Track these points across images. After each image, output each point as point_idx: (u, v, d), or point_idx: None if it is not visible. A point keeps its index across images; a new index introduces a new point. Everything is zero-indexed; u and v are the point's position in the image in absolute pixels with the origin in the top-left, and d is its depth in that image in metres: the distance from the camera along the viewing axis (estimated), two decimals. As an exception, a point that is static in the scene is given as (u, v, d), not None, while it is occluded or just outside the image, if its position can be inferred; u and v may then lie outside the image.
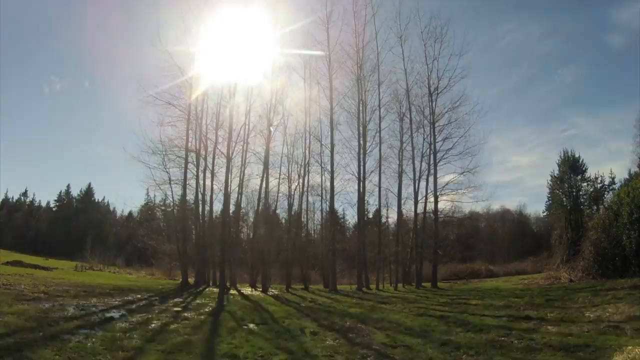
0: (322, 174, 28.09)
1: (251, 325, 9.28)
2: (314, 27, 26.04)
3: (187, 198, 25.90)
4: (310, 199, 30.06)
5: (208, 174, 25.66)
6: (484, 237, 47.45)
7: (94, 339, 6.66)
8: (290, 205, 28.69)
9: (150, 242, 33.28)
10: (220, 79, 24.90)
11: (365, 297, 17.44)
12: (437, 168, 24.52)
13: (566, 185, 31.30)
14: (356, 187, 25.22)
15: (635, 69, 52.23)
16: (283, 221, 34.68)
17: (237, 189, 26.92)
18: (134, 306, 11.02)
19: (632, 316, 8.55)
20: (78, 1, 67.72)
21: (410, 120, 25.18)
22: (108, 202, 66.16)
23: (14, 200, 64.27)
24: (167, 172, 25.17)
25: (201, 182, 25.40)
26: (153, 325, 8.50)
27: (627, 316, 8.63)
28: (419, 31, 24.93)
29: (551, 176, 33.09)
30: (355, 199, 25.87)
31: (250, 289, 22.44)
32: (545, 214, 42.87)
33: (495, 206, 50.90)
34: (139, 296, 13.63)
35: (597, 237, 20.99)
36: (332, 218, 28.28)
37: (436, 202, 24.33)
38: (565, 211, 30.57)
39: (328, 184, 26.37)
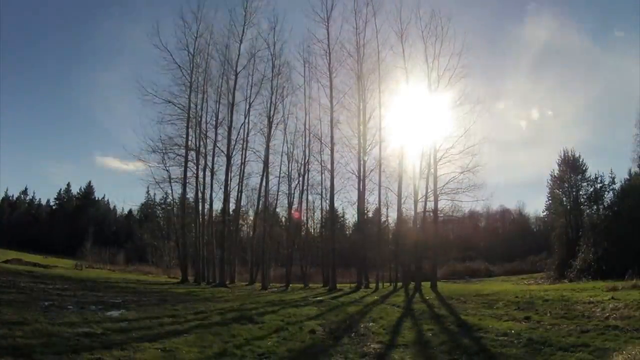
0: (322, 173, 28.11)
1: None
2: (314, 25, 26.01)
3: (187, 196, 25.96)
4: (310, 197, 30.09)
5: (208, 172, 25.75)
6: (484, 236, 47.48)
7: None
8: (290, 204, 28.72)
9: (150, 240, 33.35)
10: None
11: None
12: (437, 167, 24.41)
13: (566, 185, 31.27)
14: (356, 185, 25.16)
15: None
16: (283, 220, 34.72)
17: (237, 187, 26.99)
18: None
19: (632, 316, 8.54)
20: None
21: (411, 119, 25.07)
22: (108, 200, 66.22)
23: (14, 198, 64.26)
24: (167, 170, 25.31)
25: (201, 180, 25.50)
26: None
27: (627, 316, 8.62)
28: (420, 30, 24.74)
29: (551, 176, 33.08)
30: (355, 198, 25.82)
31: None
32: (545, 213, 42.84)
33: (495, 205, 50.96)
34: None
35: (597, 237, 20.99)
36: (332, 217, 28.23)
37: (436, 201, 24.23)
38: (565, 211, 30.56)
39: (328, 182, 26.36)
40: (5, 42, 62.87)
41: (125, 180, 75.16)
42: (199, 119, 25.64)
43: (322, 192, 28.77)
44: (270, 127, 26.11)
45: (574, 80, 66.25)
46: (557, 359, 6.20)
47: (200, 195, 25.58)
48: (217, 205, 27.94)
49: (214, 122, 25.98)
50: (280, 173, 27.82)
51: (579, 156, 31.10)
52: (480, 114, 23.80)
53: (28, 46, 78.29)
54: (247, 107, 26.22)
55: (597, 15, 59.65)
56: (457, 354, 6.63)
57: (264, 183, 26.22)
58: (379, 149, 25.21)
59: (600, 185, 29.30)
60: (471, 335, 8.06)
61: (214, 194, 26.16)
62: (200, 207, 25.84)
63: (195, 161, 25.27)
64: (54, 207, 64.49)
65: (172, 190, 26.69)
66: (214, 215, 27.49)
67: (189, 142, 25.09)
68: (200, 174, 25.42)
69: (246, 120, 26.26)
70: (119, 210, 64.44)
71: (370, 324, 9.83)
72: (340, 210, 41.85)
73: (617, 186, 27.63)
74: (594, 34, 60.09)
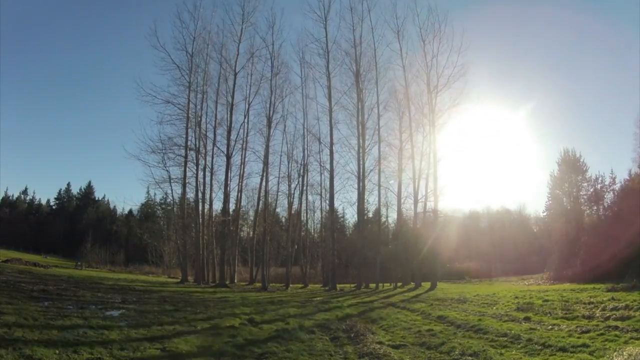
0: (321, 173, 28.17)
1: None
2: (312, 24, 26.07)
3: (187, 197, 25.94)
4: (310, 197, 30.11)
5: (208, 173, 25.76)
6: (484, 237, 47.32)
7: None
8: (290, 204, 28.72)
9: (150, 240, 33.31)
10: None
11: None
12: (437, 167, 24.41)
13: (566, 185, 31.23)
14: (356, 186, 25.18)
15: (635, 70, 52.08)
16: (283, 220, 34.73)
17: (236, 187, 27.00)
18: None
19: (632, 316, 8.53)
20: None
21: (410, 118, 25.11)
22: (108, 200, 66.08)
23: (14, 198, 64.19)
24: (167, 170, 25.30)
25: (201, 180, 25.49)
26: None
27: (627, 316, 8.61)
28: (418, 27, 24.74)
29: (551, 176, 33.04)
30: (354, 198, 25.86)
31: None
32: (545, 214, 42.80)
33: (496, 206, 50.79)
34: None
35: (597, 238, 20.95)
36: (332, 217, 28.23)
37: (436, 201, 24.24)
38: (565, 211, 30.50)
39: (327, 182, 26.39)
40: (5, 42, 62.90)
41: (125, 180, 75.43)
42: (199, 119, 25.65)
43: (321, 192, 28.86)
44: (269, 127, 26.13)
45: (574, 79, 66.11)
46: (556, 360, 6.18)
47: (200, 195, 25.58)
48: (217, 206, 27.97)
49: (213, 122, 26.02)
50: (279, 173, 27.89)
51: (580, 156, 31.07)
52: (479, 113, 23.85)
53: (28, 46, 78.29)
54: (247, 107, 26.27)
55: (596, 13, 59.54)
56: (456, 355, 6.62)
57: (263, 183, 26.26)
58: (378, 149, 25.25)
59: (601, 185, 29.25)
60: (471, 336, 8.05)
61: (213, 194, 26.21)
62: (200, 207, 25.83)
63: (195, 161, 25.28)
64: (54, 207, 64.44)
65: (172, 190, 26.74)
66: (214, 215, 27.49)
67: (189, 143, 25.11)
68: (200, 174, 25.44)
69: (245, 120, 26.31)
70: (119, 210, 64.25)
71: (370, 324, 9.83)
72: (340, 211, 41.92)
73: (617, 186, 27.60)
74: (594, 31, 59.96)
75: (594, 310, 9.80)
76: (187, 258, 25.45)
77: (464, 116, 25.01)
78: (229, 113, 25.50)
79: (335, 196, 26.07)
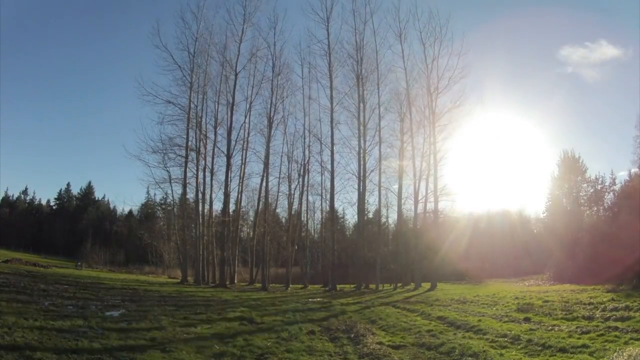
0: (322, 173, 28.15)
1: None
2: (314, 25, 26.09)
3: (187, 197, 25.92)
4: (310, 198, 30.08)
5: (208, 173, 25.72)
6: (484, 237, 47.25)
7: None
8: (290, 205, 28.69)
9: (150, 240, 33.30)
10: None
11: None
12: (438, 168, 24.44)
13: (566, 186, 31.27)
14: (356, 186, 25.18)
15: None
16: (283, 220, 34.71)
17: (237, 187, 26.97)
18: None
19: (632, 317, 8.53)
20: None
21: (411, 120, 25.14)
22: (108, 200, 66.05)
23: (14, 198, 64.19)
24: (167, 170, 25.27)
25: (201, 180, 25.45)
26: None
27: (627, 317, 8.61)
28: (418, 31, 24.85)
29: (551, 177, 33.09)
30: (355, 199, 25.85)
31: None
32: (545, 215, 42.76)
33: (496, 207, 50.71)
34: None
35: (597, 238, 20.96)
36: (332, 217, 28.22)
37: (436, 202, 24.25)
38: (565, 212, 30.54)
39: (328, 183, 26.38)
40: (5, 42, 62.93)
41: (125, 180, 75.53)
42: (199, 120, 25.63)
43: (322, 192, 28.83)
44: (270, 128, 26.12)
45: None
46: (556, 360, 6.18)
47: (200, 195, 25.55)
48: (217, 206, 27.96)
49: (213, 123, 26.00)
50: (280, 174, 27.86)
51: (579, 157, 31.12)
52: (480, 114, 23.89)
53: (28, 46, 78.35)
54: (248, 107, 26.25)
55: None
56: (456, 355, 6.62)
57: (264, 183, 26.24)
58: (379, 150, 25.27)
59: (601, 186, 29.30)
60: (471, 336, 8.05)
61: (214, 195, 26.19)
62: (200, 208, 25.79)
63: (195, 162, 25.26)
64: (54, 207, 64.45)
65: (172, 190, 26.71)
66: (214, 215, 27.47)
67: (189, 143, 25.08)
68: (200, 175, 25.41)
69: (246, 121, 26.29)
70: (119, 210, 64.17)
71: (370, 324, 9.83)
72: (340, 211, 41.89)
73: (617, 187, 27.65)
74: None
75: (594, 311, 9.80)
76: (187, 258, 25.42)
77: (464, 118, 25.06)
78: (229, 113, 25.50)
79: (336, 196, 26.11)
